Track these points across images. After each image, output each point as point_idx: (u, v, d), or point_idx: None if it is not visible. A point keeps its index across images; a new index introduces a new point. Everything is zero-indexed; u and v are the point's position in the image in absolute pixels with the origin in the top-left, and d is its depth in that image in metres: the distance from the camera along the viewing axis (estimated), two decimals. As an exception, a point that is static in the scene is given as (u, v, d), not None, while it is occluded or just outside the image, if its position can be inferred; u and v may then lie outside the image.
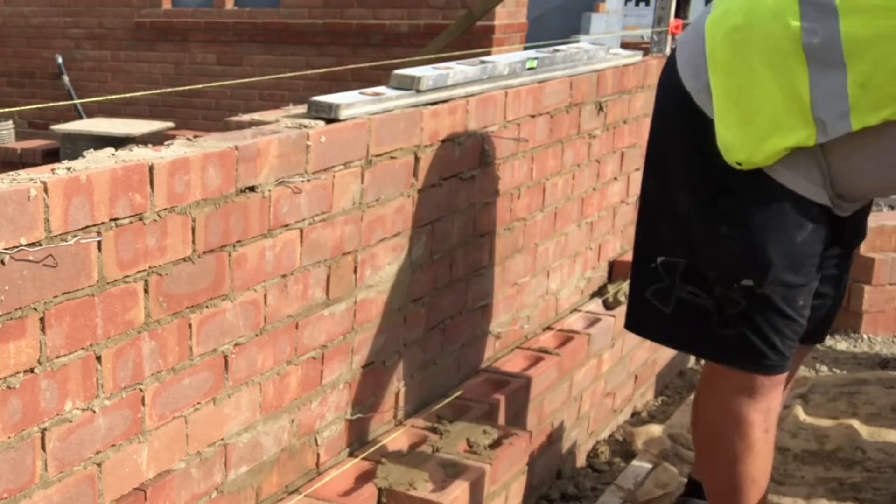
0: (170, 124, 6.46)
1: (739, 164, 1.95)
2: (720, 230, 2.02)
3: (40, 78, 9.29)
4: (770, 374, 2.11)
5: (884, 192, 2.11)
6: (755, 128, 1.92)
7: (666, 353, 3.72)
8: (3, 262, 1.45)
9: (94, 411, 1.67)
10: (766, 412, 2.15)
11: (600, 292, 3.53)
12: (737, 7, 1.99)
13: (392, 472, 2.26)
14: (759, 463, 2.18)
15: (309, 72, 6.96)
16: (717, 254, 2.04)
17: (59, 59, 9.10)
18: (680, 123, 2.09)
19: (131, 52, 8.85)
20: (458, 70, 2.53)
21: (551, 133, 3.00)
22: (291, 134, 1.99)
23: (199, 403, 1.89)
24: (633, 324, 2.29)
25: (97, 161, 1.64)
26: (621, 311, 3.37)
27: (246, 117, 2.16)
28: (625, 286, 3.45)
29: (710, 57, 1.99)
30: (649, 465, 2.98)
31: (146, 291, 1.72)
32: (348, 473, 2.28)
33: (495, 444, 2.46)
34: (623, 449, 3.31)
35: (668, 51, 4.08)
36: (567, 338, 3.12)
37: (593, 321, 3.27)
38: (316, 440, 2.24)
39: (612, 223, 3.60)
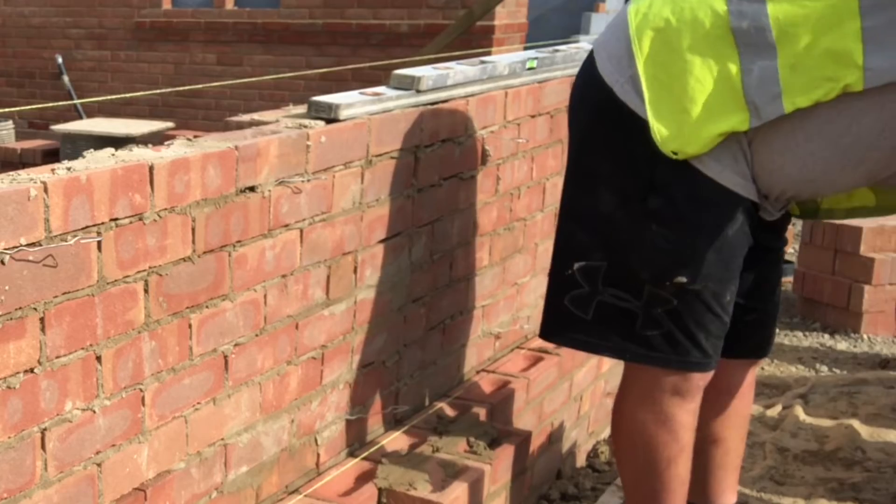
0: (170, 124, 6.45)
1: (675, 153, 1.92)
2: (650, 228, 1.99)
3: (40, 78, 9.29)
4: (698, 372, 2.10)
5: (803, 188, 2.02)
6: (689, 115, 1.90)
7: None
8: (3, 262, 1.45)
9: (94, 411, 1.67)
10: (694, 413, 2.15)
11: None
12: None
13: (392, 472, 2.26)
14: (688, 464, 2.18)
15: (309, 72, 6.97)
16: (648, 253, 2.01)
17: (59, 59, 9.10)
18: (601, 123, 2.06)
19: (131, 52, 8.85)
20: (458, 70, 2.53)
21: (551, 133, 3.01)
22: (291, 134, 1.99)
23: (199, 403, 1.89)
24: (550, 332, 2.23)
25: (97, 161, 1.64)
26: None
27: (246, 117, 2.16)
28: None
29: (636, 48, 1.96)
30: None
31: (146, 291, 1.72)
32: (348, 473, 2.28)
33: (495, 444, 2.46)
34: (623, 449, 3.31)
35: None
36: (567, 338, 3.12)
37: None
38: (316, 440, 2.24)
39: (612, 223, 3.60)
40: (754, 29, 1.84)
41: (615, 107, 1.99)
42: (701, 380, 2.12)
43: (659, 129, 1.93)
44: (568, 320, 2.13)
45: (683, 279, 2.00)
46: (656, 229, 1.99)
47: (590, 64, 2.09)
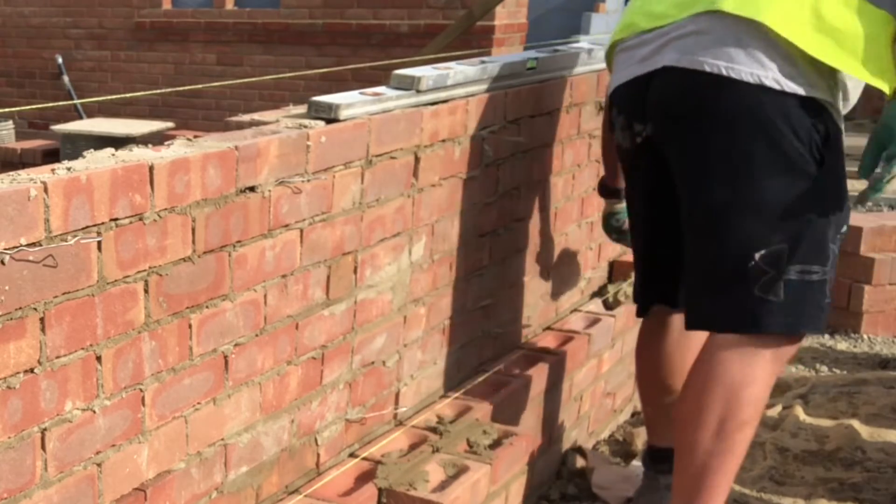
0: (170, 124, 6.46)
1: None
2: (827, 185, 2.18)
3: (40, 78, 9.29)
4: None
5: None
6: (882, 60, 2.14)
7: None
8: (3, 262, 1.45)
9: (94, 411, 1.67)
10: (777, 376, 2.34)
11: (600, 292, 3.53)
12: None
13: (392, 472, 2.26)
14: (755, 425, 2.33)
15: (309, 72, 6.97)
16: (831, 207, 2.18)
17: (59, 59, 9.10)
18: (750, 117, 2.16)
19: (131, 52, 8.85)
20: (458, 70, 2.53)
21: (551, 133, 3.00)
22: (291, 134, 1.99)
23: (199, 403, 1.89)
24: (744, 324, 2.25)
25: (97, 161, 1.64)
26: (621, 311, 3.38)
27: (246, 117, 2.16)
28: (625, 286, 3.45)
29: (794, 34, 2.11)
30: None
31: (146, 291, 1.72)
32: (348, 473, 2.28)
33: (495, 444, 2.46)
34: (623, 449, 3.32)
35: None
36: (567, 338, 3.12)
37: (593, 321, 3.27)
38: (316, 440, 2.24)
39: (612, 223, 3.60)
40: None
41: (769, 97, 2.13)
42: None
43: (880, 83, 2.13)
44: (762, 308, 2.19)
45: (845, 228, 2.25)
46: (831, 184, 2.19)
47: (692, 73, 2.20)
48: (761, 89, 2.13)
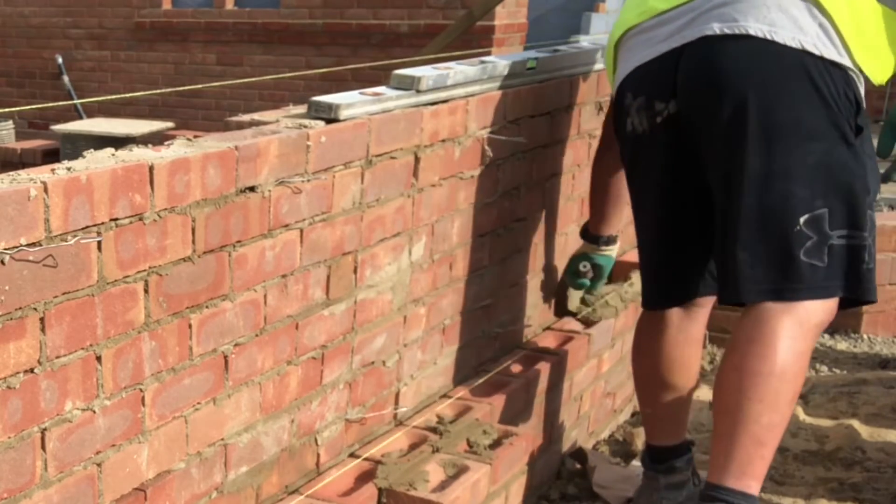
0: (170, 124, 6.46)
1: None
2: (863, 152, 2.23)
3: (40, 78, 9.29)
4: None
5: None
6: (884, 52, 2.27)
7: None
8: (3, 262, 1.45)
9: (94, 411, 1.67)
10: None
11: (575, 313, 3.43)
12: None
13: (392, 472, 2.26)
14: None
15: (309, 72, 6.97)
16: (869, 173, 2.23)
17: (59, 59, 9.10)
18: (791, 83, 2.20)
19: (131, 52, 8.85)
20: (458, 70, 2.53)
21: (551, 133, 3.00)
22: (291, 134, 1.99)
23: (199, 403, 1.89)
24: (784, 292, 2.24)
25: (97, 161, 1.64)
26: (621, 311, 3.37)
27: (246, 117, 2.16)
28: (609, 296, 3.35)
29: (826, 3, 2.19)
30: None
31: (146, 291, 1.72)
32: (348, 473, 2.28)
33: (495, 444, 2.46)
34: (623, 449, 3.32)
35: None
36: (567, 338, 3.12)
37: (593, 321, 3.26)
38: (316, 440, 2.24)
39: (612, 223, 3.60)
40: None
41: (812, 61, 2.19)
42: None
43: (872, 71, 2.24)
44: (808, 274, 2.20)
45: (876, 195, 2.29)
46: (867, 150, 2.26)
47: (741, 38, 2.24)
48: (804, 53, 2.19)
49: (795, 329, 2.20)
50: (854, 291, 2.23)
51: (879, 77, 2.30)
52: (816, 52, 2.18)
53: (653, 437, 2.74)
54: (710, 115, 2.29)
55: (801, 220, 2.18)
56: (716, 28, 2.26)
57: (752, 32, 2.21)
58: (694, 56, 2.30)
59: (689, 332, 2.57)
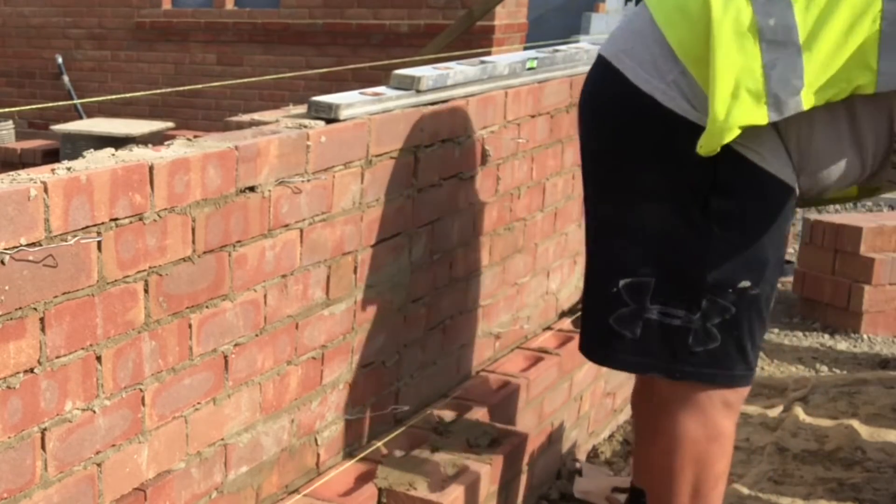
0: (170, 124, 6.46)
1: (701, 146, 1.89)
2: (713, 233, 1.95)
3: (40, 78, 9.29)
4: (745, 386, 2.08)
5: (818, 183, 2.01)
6: (714, 108, 1.85)
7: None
8: (3, 262, 1.45)
9: (94, 411, 1.67)
10: (736, 423, 2.13)
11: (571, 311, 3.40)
12: None
13: (392, 472, 2.26)
14: (726, 478, 2.17)
15: (309, 72, 6.97)
16: (713, 259, 1.96)
17: (59, 59, 9.10)
18: (643, 133, 1.99)
19: (131, 52, 8.85)
20: (458, 70, 2.53)
21: (551, 133, 3.01)
22: (291, 134, 1.99)
23: (199, 403, 1.89)
24: (593, 352, 2.18)
25: (97, 161, 1.64)
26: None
27: (246, 117, 2.16)
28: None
29: (679, 48, 1.93)
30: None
31: (146, 291, 1.72)
32: (348, 473, 2.28)
33: (495, 444, 2.46)
34: (623, 449, 3.32)
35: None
36: (567, 338, 3.12)
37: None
38: (316, 440, 2.24)
39: (612, 223, 3.59)
40: (781, 27, 1.83)
41: (660, 113, 1.94)
42: (746, 391, 2.10)
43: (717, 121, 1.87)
44: (614, 340, 2.08)
45: (748, 283, 1.97)
46: (719, 233, 1.95)
47: (611, 73, 2.02)
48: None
49: (698, 413, 2.08)
50: (670, 373, 2.05)
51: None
52: (667, 105, 1.94)
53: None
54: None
55: (622, 282, 2.03)
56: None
57: (624, 71, 2.01)
58: None
59: None
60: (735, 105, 1.84)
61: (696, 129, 1.88)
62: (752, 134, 1.88)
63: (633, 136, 2.02)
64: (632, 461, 2.61)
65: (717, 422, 2.07)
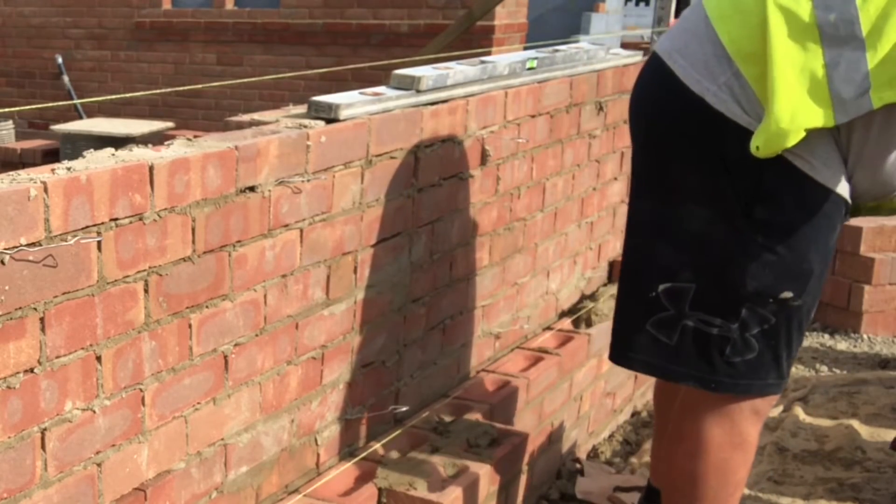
0: (170, 124, 6.46)
1: (758, 149, 1.84)
2: (756, 241, 1.90)
3: (40, 78, 9.29)
4: (776, 394, 2.05)
5: (881, 189, 1.96)
6: (772, 112, 1.80)
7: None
8: (3, 262, 1.45)
9: (94, 411, 1.67)
10: (760, 431, 2.10)
11: (572, 311, 3.42)
12: None
13: (392, 472, 2.26)
14: (745, 482, 2.15)
15: (309, 72, 6.97)
16: (754, 268, 1.91)
17: (59, 59, 9.10)
18: (690, 134, 1.94)
19: (131, 52, 8.85)
20: (458, 70, 2.53)
21: (551, 133, 3.01)
22: (291, 134, 1.99)
23: (199, 403, 1.89)
24: (624, 357, 2.13)
25: (97, 161, 1.64)
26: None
27: (246, 117, 2.16)
28: (598, 305, 3.37)
29: (731, 44, 1.87)
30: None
31: (146, 291, 1.72)
32: (348, 473, 2.28)
33: (495, 444, 2.46)
34: (623, 449, 3.32)
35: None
36: (567, 338, 3.12)
37: (593, 321, 3.27)
38: (316, 440, 2.24)
39: (612, 223, 3.60)
40: (842, 21, 1.77)
41: (708, 117, 1.89)
42: (776, 398, 2.07)
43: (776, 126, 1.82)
44: (649, 345, 2.03)
45: (790, 294, 1.93)
46: (763, 242, 1.90)
47: (664, 72, 1.97)
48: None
49: (724, 420, 2.04)
50: (706, 384, 2.00)
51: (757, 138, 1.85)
52: (717, 107, 1.89)
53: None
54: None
55: (661, 287, 1.98)
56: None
57: (677, 71, 1.95)
58: None
59: None
60: (799, 106, 1.78)
61: (745, 134, 1.84)
62: (804, 140, 1.81)
63: (680, 135, 1.97)
64: (650, 460, 2.58)
65: (743, 429, 2.04)
